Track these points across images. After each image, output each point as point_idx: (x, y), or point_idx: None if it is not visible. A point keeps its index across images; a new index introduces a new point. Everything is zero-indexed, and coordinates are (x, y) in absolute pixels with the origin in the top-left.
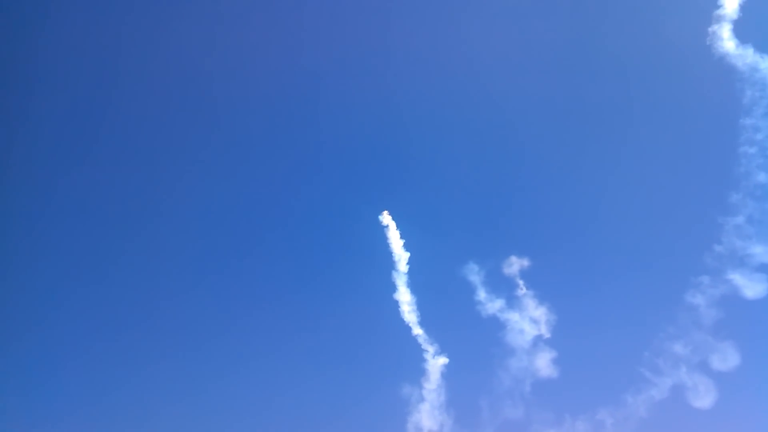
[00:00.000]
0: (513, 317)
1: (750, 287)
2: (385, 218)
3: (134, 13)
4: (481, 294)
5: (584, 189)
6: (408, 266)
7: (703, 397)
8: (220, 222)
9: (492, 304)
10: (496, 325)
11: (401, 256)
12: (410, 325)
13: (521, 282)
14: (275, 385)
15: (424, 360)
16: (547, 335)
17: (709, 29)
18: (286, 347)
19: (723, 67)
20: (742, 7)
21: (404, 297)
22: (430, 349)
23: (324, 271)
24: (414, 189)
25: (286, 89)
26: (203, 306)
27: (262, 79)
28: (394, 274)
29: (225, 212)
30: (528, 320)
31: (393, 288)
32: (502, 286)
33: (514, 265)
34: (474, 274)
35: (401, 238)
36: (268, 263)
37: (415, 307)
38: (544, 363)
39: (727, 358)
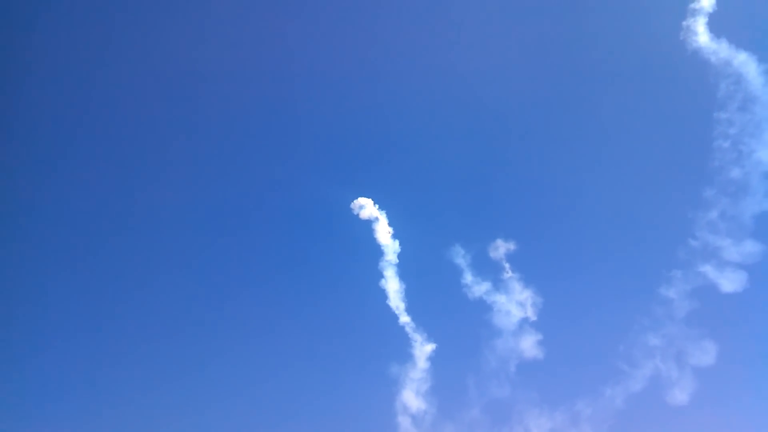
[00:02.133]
0: (499, 299)
1: (724, 281)
2: (368, 204)
3: (121, 11)
4: (468, 277)
5: (564, 179)
6: (395, 253)
7: (679, 390)
8: (209, 216)
9: (479, 287)
10: (483, 308)
11: (388, 244)
12: (397, 312)
13: (507, 265)
14: (265, 374)
15: (411, 346)
16: (534, 318)
17: (684, 23)
18: (275, 340)
19: (697, 61)
20: (718, 1)
21: (391, 285)
22: (417, 337)
23: (310, 262)
24: (398, 173)
25: (268, 82)
26: (191, 298)
27: (244, 71)
28: (381, 262)
29: (213, 206)
30: (514, 303)
31: (379, 276)
32: (489, 269)
33: (500, 248)
34: (460, 257)
35: (389, 225)
36: (255, 255)
37: (402, 294)
38: (529, 345)
39: (702, 351)
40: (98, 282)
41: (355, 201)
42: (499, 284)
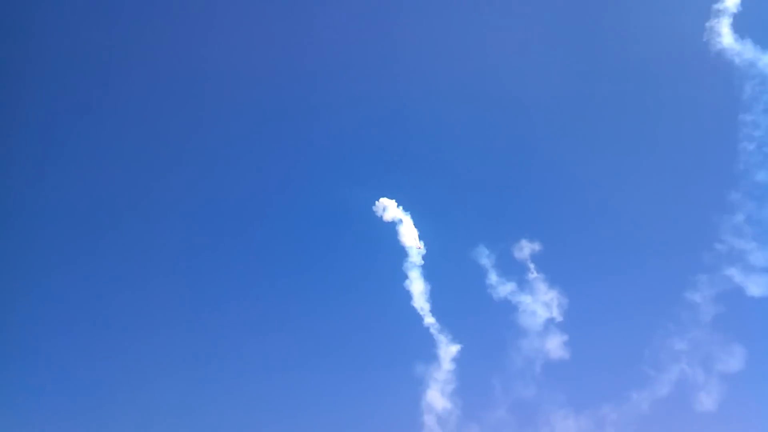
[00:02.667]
0: (525, 300)
1: (750, 285)
2: (392, 206)
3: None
4: (493, 277)
5: (589, 181)
6: (419, 254)
7: (705, 395)
8: (232, 217)
9: (503, 288)
10: (508, 308)
11: (413, 246)
12: (422, 314)
13: (532, 266)
14: (291, 375)
15: (436, 347)
16: (559, 318)
17: (707, 24)
18: (299, 341)
19: (721, 63)
20: (743, 2)
21: (416, 286)
22: (442, 338)
23: (334, 263)
24: (422, 174)
25: (287, 82)
26: (217, 299)
27: (260, 71)
28: (405, 263)
29: (235, 207)
30: (540, 303)
31: (404, 277)
32: (513, 270)
33: (525, 248)
34: (485, 257)
35: (414, 227)
36: (279, 256)
37: (427, 295)
38: (555, 345)
39: (729, 356)
40: (103, 280)
41: (378, 202)
42: (524, 285)
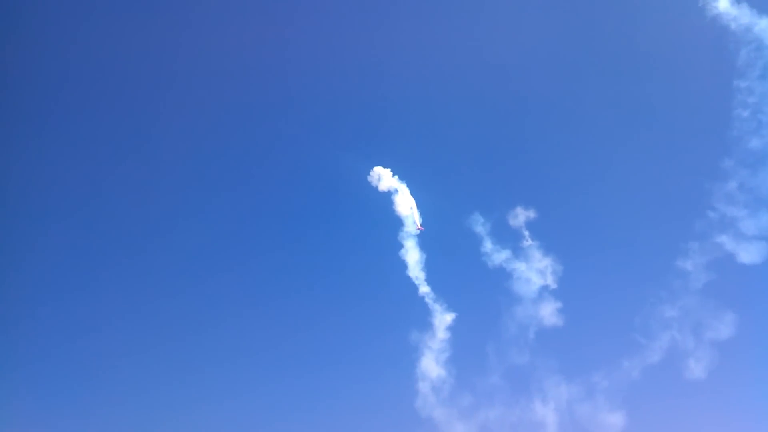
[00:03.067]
0: (519, 267)
1: (742, 253)
2: (387, 175)
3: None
4: (488, 245)
5: (584, 149)
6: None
7: (696, 362)
8: (222, 190)
9: (498, 255)
10: (503, 275)
11: (409, 215)
12: (417, 283)
13: (527, 233)
14: (290, 342)
15: (432, 316)
16: (554, 286)
17: None
18: (295, 311)
19: (717, 28)
20: None
21: (411, 255)
22: (437, 307)
23: (329, 234)
24: (419, 143)
25: (278, 51)
26: (220, 271)
27: (252, 42)
28: (401, 233)
29: (224, 179)
30: (534, 271)
31: (399, 246)
32: (508, 237)
33: (520, 216)
34: (480, 225)
35: (410, 195)
36: (276, 228)
37: (422, 265)
38: (549, 312)
39: (719, 323)
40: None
41: (373, 171)
42: (519, 252)
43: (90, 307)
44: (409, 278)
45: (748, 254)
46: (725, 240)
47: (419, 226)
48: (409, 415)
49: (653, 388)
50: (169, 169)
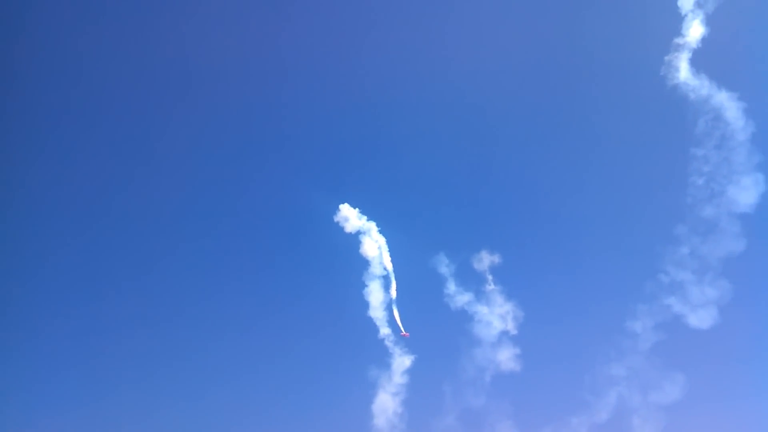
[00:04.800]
0: (481, 310)
1: (690, 317)
2: (354, 215)
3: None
4: (451, 287)
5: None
6: (380, 265)
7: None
8: (185, 224)
9: (461, 297)
10: (464, 318)
11: (375, 255)
12: (378, 324)
13: (490, 277)
14: (251, 377)
15: (391, 357)
16: (514, 331)
17: (666, 57)
18: (257, 347)
19: (676, 97)
20: (704, 38)
21: (375, 296)
22: (397, 350)
23: (292, 270)
24: (387, 180)
25: (247, 84)
26: (177, 305)
27: (226, 74)
28: (365, 273)
29: (188, 213)
30: (496, 315)
31: (362, 286)
32: (472, 280)
33: (485, 260)
34: (444, 266)
35: (379, 233)
36: (239, 262)
37: (385, 306)
38: (507, 357)
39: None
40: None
41: (340, 209)
42: (481, 295)
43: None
44: (370, 318)
45: (696, 318)
46: (674, 303)
47: (404, 332)
48: None
49: None
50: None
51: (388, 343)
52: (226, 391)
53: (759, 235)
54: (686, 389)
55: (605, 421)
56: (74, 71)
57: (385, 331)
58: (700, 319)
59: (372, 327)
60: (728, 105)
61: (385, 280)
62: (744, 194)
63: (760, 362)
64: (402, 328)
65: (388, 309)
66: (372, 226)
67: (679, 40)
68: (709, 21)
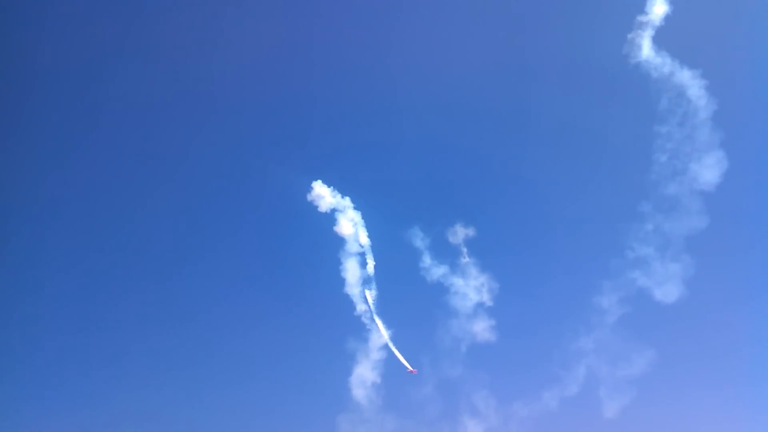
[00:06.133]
0: (457, 282)
1: (655, 291)
2: (328, 193)
3: None
4: (427, 259)
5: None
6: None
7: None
8: (153, 208)
9: (437, 270)
10: (440, 290)
11: (351, 233)
12: (354, 300)
13: (465, 250)
14: (225, 352)
15: (368, 332)
16: (489, 303)
17: (629, 35)
18: (236, 327)
19: (639, 75)
20: (667, 16)
21: (351, 273)
22: (374, 324)
23: (270, 254)
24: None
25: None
26: (153, 296)
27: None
28: (341, 250)
29: (156, 195)
30: (471, 287)
31: (338, 263)
32: (447, 253)
33: (459, 233)
34: (419, 239)
35: (354, 209)
36: (221, 245)
37: (361, 282)
38: (482, 328)
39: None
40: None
41: (313, 186)
42: (456, 268)
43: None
44: (347, 295)
45: (661, 292)
46: (639, 278)
47: (411, 369)
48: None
49: (568, 420)
50: (102, 178)
51: (365, 320)
52: (203, 366)
53: (720, 212)
54: (653, 361)
55: (575, 394)
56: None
57: (361, 307)
58: (665, 293)
59: (349, 304)
60: (691, 83)
61: (361, 257)
62: (706, 172)
63: (722, 335)
64: (408, 366)
65: (365, 284)
66: (347, 202)
67: (642, 18)
68: None
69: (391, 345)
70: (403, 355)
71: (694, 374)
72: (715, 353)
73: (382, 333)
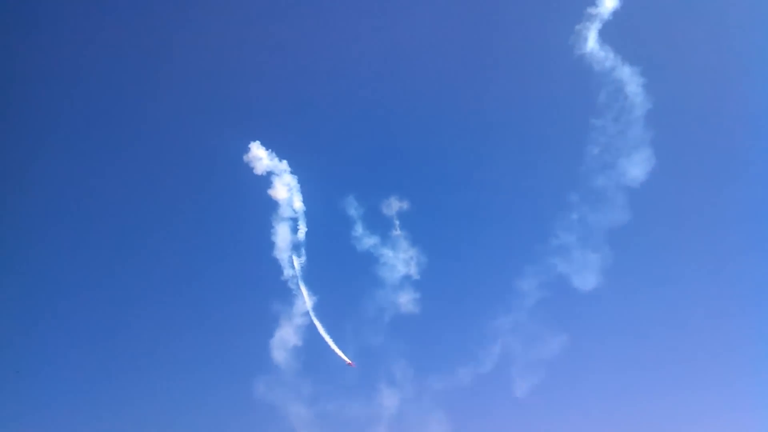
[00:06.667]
0: (386, 253)
1: (575, 279)
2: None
3: None
4: (359, 229)
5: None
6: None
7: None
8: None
9: (368, 240)
10: (370, 260)
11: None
12: (282, 265)
13: (397, 223)
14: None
15: (294, 296)
16: (416, 276)
17: (576, 27)
18: (164, 290)
19: (582, 67)
20: (616, 11)
21: (281, 237)
22: (301, 289)
23: (200, 213)
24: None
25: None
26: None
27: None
28: (274, 214)
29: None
30: (400, 259)
31: (270, 227)
32: (379, 224)
33: (393, 205)
34: (353, 209)
35: (290, 174)
36: (150, 203)
37: (291, 247)
38: (407, 300)
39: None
40: None
41: (251, 147)
42: (387, 240)
43: None
44: (275, 259)
45: (578, 281)
46: (560, 265)
47: (350, 362)
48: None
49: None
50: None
51: (291, 285)
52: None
53: (642, 208)
54: (565, 345)
55: (488, 372)
56: None
57: (289, 272)
58: (583, 281)
59: (276, 268)
60: (630, 79)
61: (294, 222)
62: (634, 168)
63: (633, 325)
64: (346, 359)
65: (295, 250)
66: (284, 166)
67: (592, 10)
68: None
69: (312, 314)
70: (327, 321)
71: (602, 360)
72: (623, 342)
73: (305, 300)
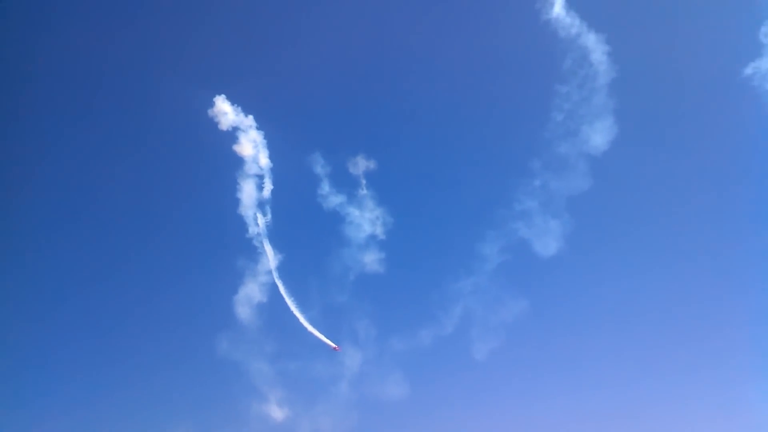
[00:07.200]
0: (353, 212)
1: (536, 244)
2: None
3: None
4: (325, 187)
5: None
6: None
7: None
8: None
9: (334, 198)
10: (336, 218)
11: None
12: (247, 222)
13: (364, 182)
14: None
15: (259, 253)
16: (382, 236)
17: None
18: (129, 242)
19: (547, 32)
20: None
21: (246, 194)
22: (266, 246)
23: (162, 167)
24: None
25: None
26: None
27: None
28: (240, 171)
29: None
30: (366, 219)
31: (235, 183)
32: (346, 183)
33: (360, 164)
34: (320, 166)
35: (256, 129)
36: (111, 159)
37: (257, 204)
38: (372, 259)
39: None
40: None
41: (215, 101)
42: (353, 199)
43: None
44: (240, 216)
45: (539, 246)
46: (521, 230)
47: (335, 347)
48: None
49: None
50: None
51: (256, 243)
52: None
53: (603, 176)
54: (524, 309)
55: (449, 334)
56: None
57: (254, 230)
58: (543, 246)
59: (242, 225)
60: (595, 47)
61: (259, 179)
62: (596, 136)
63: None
64: (331, 343)
65: (260, 207)
66: (250, 121)
67: None
68: None
69: (275, 274)
70: (292, 280)
71: (561, 325)
72: (582, 307)
73: (269, 259)
